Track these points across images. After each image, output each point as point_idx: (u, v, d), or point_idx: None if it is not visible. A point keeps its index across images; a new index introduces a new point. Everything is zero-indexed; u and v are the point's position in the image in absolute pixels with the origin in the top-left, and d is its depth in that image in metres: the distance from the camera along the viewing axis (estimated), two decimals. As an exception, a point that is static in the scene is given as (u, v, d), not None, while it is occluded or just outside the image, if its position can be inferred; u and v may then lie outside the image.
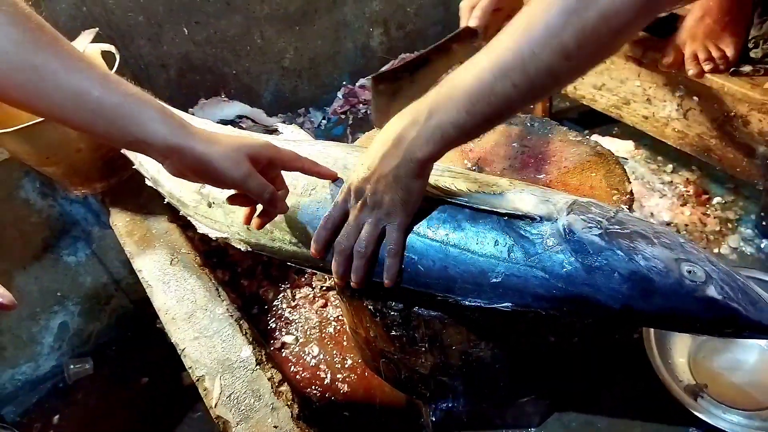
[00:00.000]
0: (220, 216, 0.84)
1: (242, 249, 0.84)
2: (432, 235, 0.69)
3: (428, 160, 0.64)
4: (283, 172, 0.74)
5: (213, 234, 0.86)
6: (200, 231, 0.89)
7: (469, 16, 0.89)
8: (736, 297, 0.59)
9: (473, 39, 0.90)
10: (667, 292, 0.60)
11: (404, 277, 0.70)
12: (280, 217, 0.77)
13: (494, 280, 0.65)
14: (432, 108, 0.61)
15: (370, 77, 0.81)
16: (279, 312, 1.28)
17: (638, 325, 0.92)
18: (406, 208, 0.68)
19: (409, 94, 0.78)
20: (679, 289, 0.60)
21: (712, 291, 0.59)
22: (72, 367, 1.45)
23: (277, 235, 0.80)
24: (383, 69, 0.80)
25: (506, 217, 0.67)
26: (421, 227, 0.69)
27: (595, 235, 0.63)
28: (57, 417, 1.37)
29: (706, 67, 1.11)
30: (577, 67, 0.57)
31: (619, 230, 0.64)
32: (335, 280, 0.73)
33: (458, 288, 0.67)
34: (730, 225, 1.29)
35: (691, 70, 1.12)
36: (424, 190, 0.69)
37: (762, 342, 1.03)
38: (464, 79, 0.59)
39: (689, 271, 0.60)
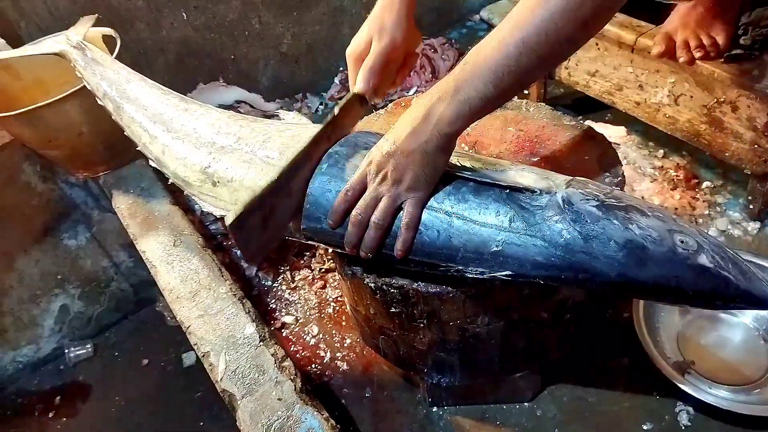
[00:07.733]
0: (225, 194, 0.86)
1: None
2: (438, 206, 0.71)
3: (456, 134, 0.68)
4: (295, 146, 0.79)
5: (218, 212, 0.88)
6: (205, 210, 0.91)
7: (356, 75, 0.84)
8: (726, 267, 0.62)
9: (363, 105, 0.85)
10: (661, 259, 0.62)
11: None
12: None
13: (495, 248, 0.68)
14: (458, 84, 0.65)
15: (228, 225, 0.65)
16: (279, 293, 1.31)
17: (632, 295, 0.95)
18: (428, 184, 0.71)
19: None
20: (672, 257, 0.62)
21: (703, 259, 0.62)
22: (72, 349, 1.46)
23: None
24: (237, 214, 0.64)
25: (508, 190, 0.70)
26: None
27: (593, 206, 0.66)
28: (58, 398, 1.39)
29: (697, 54, 1.13)
30: (592, 33, 0.65)
31: (615, 203, 0.67)
32: (346, 249, 0.75)
33: (460, 257, 0.70)
34: (718, 208, 1.32)
35: (682, 58, 1.14)
36: (446, 167, 0.72)
37: (746, 320, 1.06)
38: (488, 54, 0.63)
39: (682, 241, 0.63)
